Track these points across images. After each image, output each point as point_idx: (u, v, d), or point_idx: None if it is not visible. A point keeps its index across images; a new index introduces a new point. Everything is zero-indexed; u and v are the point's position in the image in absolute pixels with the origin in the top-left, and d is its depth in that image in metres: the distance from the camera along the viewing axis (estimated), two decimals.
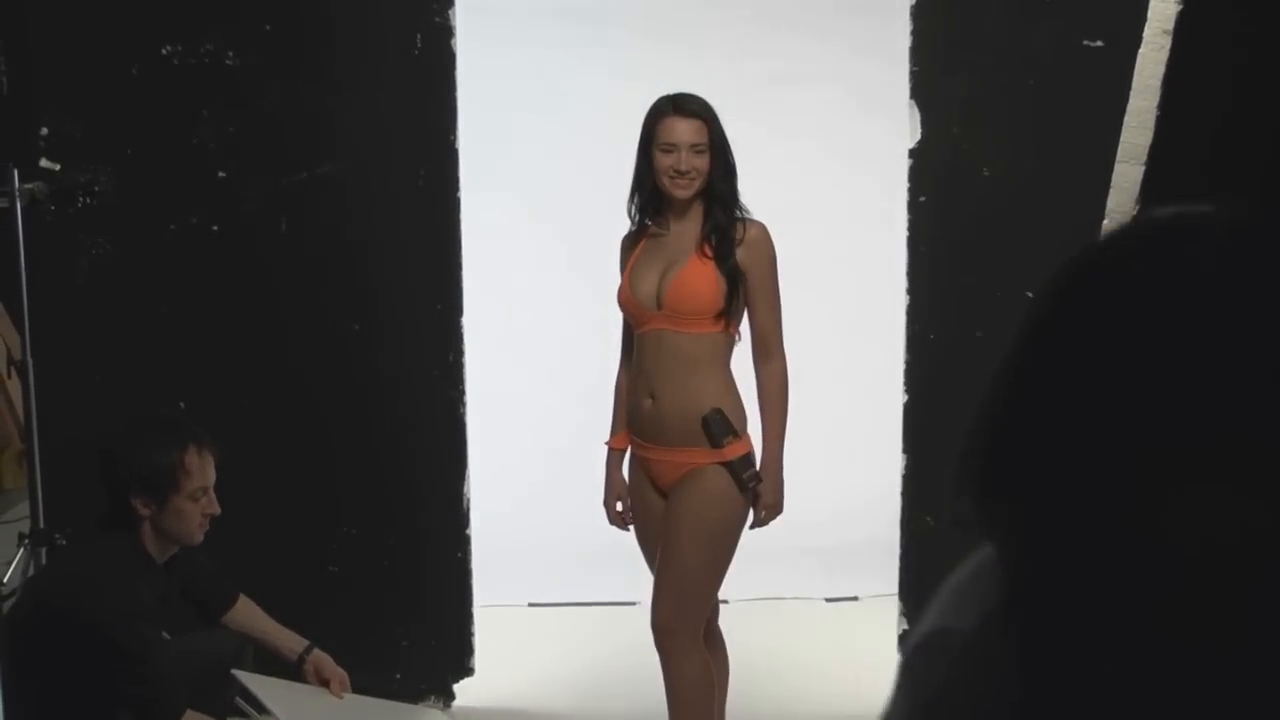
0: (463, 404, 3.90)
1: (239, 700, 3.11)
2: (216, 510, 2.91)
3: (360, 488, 3.89)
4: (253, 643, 3.21)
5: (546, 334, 5.64)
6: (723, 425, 3.08)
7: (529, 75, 5.51)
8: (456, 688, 4.02)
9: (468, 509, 3.96)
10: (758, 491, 3.14)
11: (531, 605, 4.86)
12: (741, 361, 3.21)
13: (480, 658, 4.06)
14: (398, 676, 3.93)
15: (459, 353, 3.87)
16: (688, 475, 3.13)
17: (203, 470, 2.87)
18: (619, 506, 3.34)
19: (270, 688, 3.12)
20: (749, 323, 3.21)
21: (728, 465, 3.09)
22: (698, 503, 3.12)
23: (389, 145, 3.77)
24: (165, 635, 2.98)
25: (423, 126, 3.77)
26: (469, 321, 3.89)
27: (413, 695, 3.95)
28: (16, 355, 3.69)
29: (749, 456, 3.13)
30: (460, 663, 4.02)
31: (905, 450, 3.85)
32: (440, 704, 4.00)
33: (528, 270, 5.63)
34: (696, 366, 3.10)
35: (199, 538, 2.93)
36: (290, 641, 3.22)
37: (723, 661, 3.37)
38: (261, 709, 3.07)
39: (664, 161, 3.09)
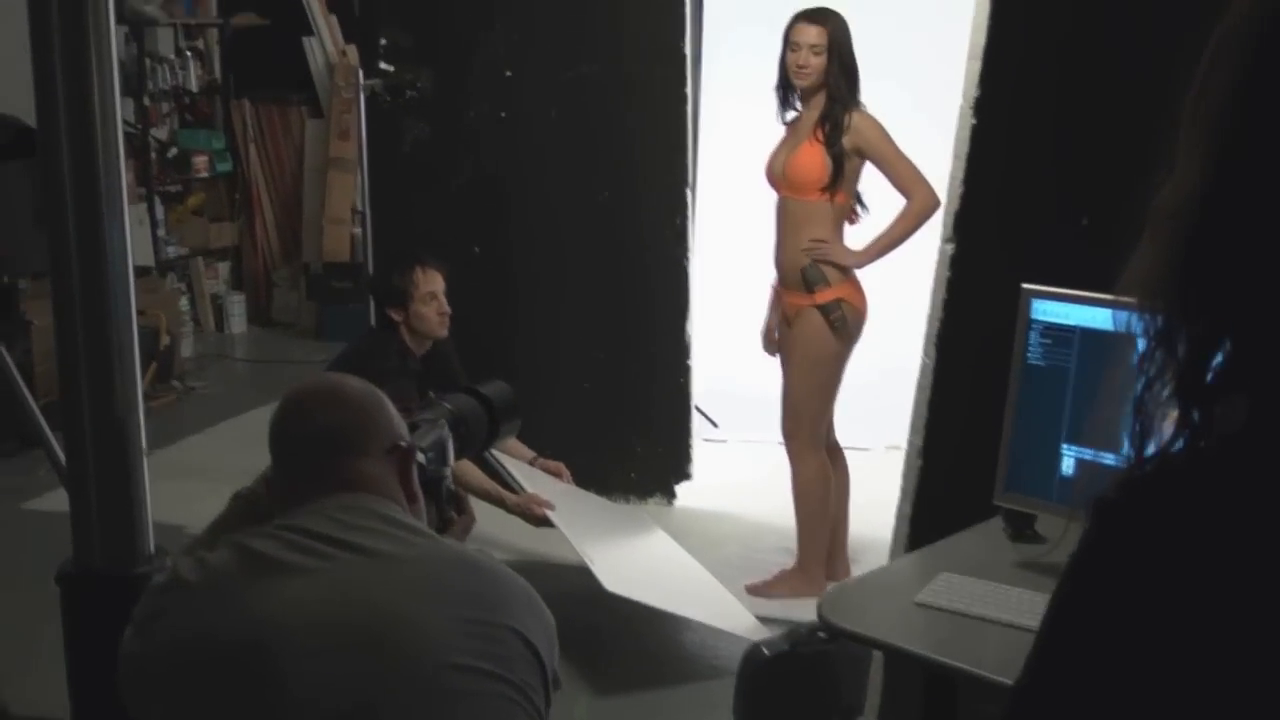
0: (688, 259, 4.83)
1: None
2: (447, 310, 3.95)
3: (599, 326, 4.91)
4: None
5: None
6: (816, 275, 3.85)
7: None
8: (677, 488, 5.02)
9: (689, 343, 4.90)
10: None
11: None
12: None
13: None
14: (632, 476, 4.99)
15: (684, 218, 4.81)
16: (796, 313, 3.93)
17: (429, 281, 3.91)
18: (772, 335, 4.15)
19: (516, 466, 3.99)
20: (891, 184, 3.87)
21: (820, 307, 3.87)
22: (799, 336, 3.92)
23: (634, 50, 4.73)
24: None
25: (659, 37, 4.69)
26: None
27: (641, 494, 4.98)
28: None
29: (838, 301, 3.87)
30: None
31: None
32: (666, 500, 4.97)
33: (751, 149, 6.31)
34: (804, 227, 3.88)
35: (441, 332, 3.98)
36: (523, 450, 4.08)
37: (842, 469, 4.15)
38: (513, 479, 3.98)
39: (790, 58, 3.87)
